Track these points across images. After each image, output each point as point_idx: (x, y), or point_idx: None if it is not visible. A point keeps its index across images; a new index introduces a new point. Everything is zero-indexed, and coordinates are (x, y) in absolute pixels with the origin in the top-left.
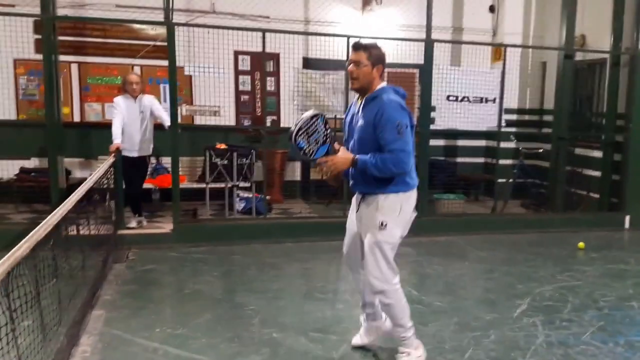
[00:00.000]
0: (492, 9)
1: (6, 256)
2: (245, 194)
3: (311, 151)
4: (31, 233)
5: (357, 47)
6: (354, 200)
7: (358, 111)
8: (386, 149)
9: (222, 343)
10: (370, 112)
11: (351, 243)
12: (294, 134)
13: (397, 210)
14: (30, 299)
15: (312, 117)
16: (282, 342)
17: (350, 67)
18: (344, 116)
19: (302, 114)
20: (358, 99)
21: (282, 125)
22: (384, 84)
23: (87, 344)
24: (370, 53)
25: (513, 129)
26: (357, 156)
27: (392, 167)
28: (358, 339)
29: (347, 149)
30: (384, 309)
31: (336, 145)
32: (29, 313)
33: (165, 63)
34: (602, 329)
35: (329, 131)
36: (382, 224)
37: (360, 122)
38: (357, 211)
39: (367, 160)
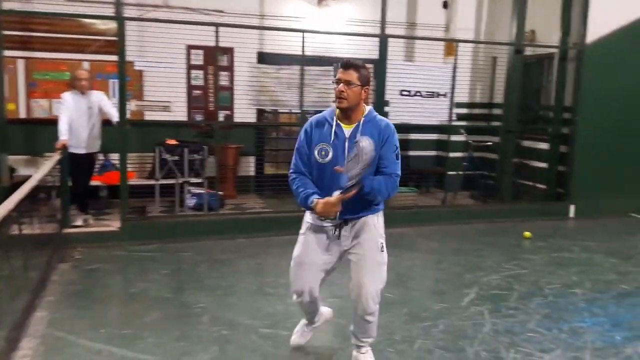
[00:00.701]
0: (445, 4)
1: None
2: (197, 190)
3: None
4: None
5: (349, 66)
6: (313, 231)
7: (352, 136)
8: (384, 172)
9: (169, 342)
10: (372, 136)
11: (317, 276)
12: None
13: (383, 228)
14: None
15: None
16: (231, 340)
17: (341, 86)
18: (303, 137)
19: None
20: (339, 121)
21: (235, 120)
22: (365, 105)
23: (29, 347)
24: (361, 73)
25: (463, 123)
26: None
27: (388, 190)
28: (300, 340)
29: (327, 172)
30: (367, 326)
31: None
32: None
33: (114, 58)
34: (547, 316)
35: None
36: (382, 246)
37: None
38: (336, 237)
39: (374, 186)
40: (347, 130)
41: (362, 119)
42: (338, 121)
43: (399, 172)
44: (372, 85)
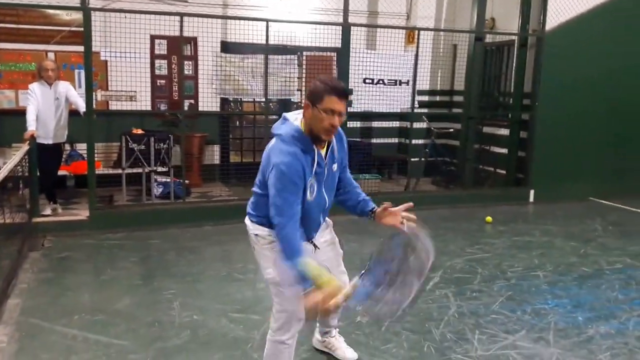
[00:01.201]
0: None
1: None
2: (163, 179)
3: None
4: None
5: (345, 95)
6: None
7: (325, 157)
8: (348, 174)
9: (141, 328)
10: (340, 149)
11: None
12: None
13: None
14: None
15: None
16: (202, 324)
17: (336, 120)
18: (302, 174)
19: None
20: (315, 146)
21: (200, 109)
22: None
23: (4, 333)
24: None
25: (425, 110)
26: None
27: None
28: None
29: (312, 211)
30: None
31: None
32: None
33: (79, 48)
34: (510, 298)
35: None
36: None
37: (334, 166)
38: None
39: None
40: (323, 153)
41: (333, 139)
42: (314, 148)
43: None
44: (335, 73)
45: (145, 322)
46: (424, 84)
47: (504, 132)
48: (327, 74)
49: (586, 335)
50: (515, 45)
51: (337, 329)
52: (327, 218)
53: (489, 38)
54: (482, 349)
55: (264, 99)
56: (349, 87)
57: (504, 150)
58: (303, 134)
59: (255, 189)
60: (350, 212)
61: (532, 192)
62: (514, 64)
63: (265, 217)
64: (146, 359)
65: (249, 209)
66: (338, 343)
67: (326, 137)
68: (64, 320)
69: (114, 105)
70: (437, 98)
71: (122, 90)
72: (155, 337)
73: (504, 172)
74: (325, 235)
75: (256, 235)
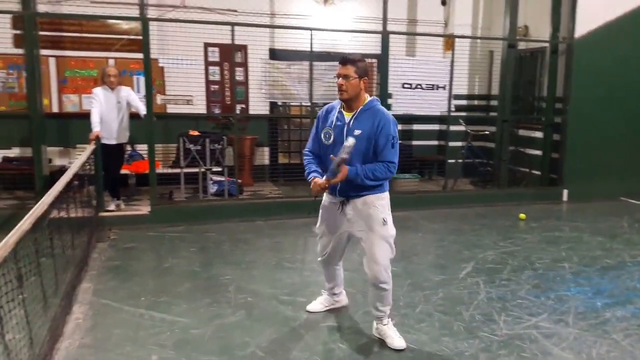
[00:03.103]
0: (443, 2)
1: (14, 229)
2: (218, 178)
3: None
4: (32, 210)
5: (345, 61)
6: (327, 204)
7: (351, 122)
8: (379, 159)
9: (201, 307)
10: (366, 123)
11: (334, 243)
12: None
13: (388, 206)
14: (34, 267)
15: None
16: (256, 305)
17: (340, 80)
18: (317, 122)
19: (346, 144)
20: (342, 109)
21: (250, 112)
22: (368, 95)
23: (80, 312)
24: (358, 66)
25: (463, 114)
26: (350, 168)
27: (381, 175)
28: (317, 306)
29: (329, 153)
30: (381, 294)
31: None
32: (33, 278)
33: (137, 55)
34: (536, 286)
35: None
36: (384, 220)
37: (357, 132)
38: (340, 212)
39: (360, 172)
40: (348, 117)
41: (360, 107)
42: (341, 109)
43: (394, 160)
44: (376, 79)
45: (204, 303)
46: (461, 88)
47: (538, 134)
48: (368, 80)
49: (603, 318)
50: (547, 51)
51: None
52: (367, 201)
53: (523, 45)
54: (507, 328)
55: (309, 103)
56: (388, 92)
57: (538, 152)
58: (340, 101)
59: None
60: None
61: (565, 191)
62: (547, 70)
63: None
64: (206, 333)
65: None
66: (390, 331)
67: (340, 97)
68: (132, 301)
69: (172, 109)
70: (475, 102)
71: (179, 95)
72: (213, 315)
73: (538, 172)
74: (365, 212)
75: None
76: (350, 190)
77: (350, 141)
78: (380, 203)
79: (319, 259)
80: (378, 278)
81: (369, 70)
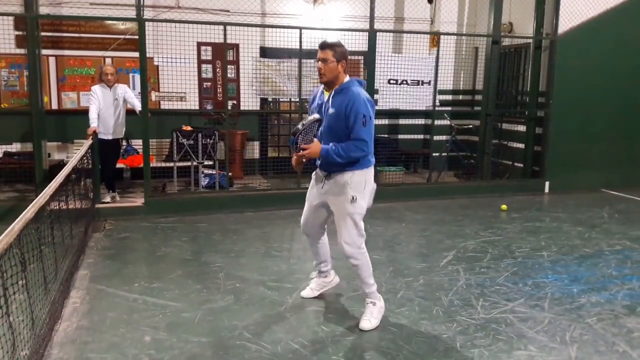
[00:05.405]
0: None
1: (18, 218)
2: (209, 171)
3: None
4: (35, 200)
5: (324, 46)
6: (314, 176)
7: (328, 101)
8: (351, 137)
9: (192, 293)
10: (340, 103)
11: (311, 213)
12: (297, 134)
13: (362, 184)
14: (35, 254)
15: (315, 121)
16: (244, 291)
17: (319, 64)
18: (308, 104)
19: (308, 117)
20: (324, 90)
21: (241, 108)
22: (347, 77)
23: (77, 296)
24: (335, 51)
25: (448, 108)
26: (322, 147)
27: (352, 154)
28: (309, 292)
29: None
30: (354, 269)
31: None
32: (34, 264)
33: (134, 54)
34: (514, 274)
35: (318, 131)
36: (353, 198)
37: (331, 111)
38: (322, 186)
39: (330, 150)
40: (326, 96)
41: (335, 88)
42: (324, 90)
43: (364, 138)
44: (363, 75)
45: (195, 289)
46: (446, 84)
47: (521, 128)
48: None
49: (578, 303)
50: (531, 47)
51: (372, 301)
52: (342, 177)
53: (507, 41)
54: (484, 312)
55: (298, 99)
56: (375, 88)
57: (521, 145)
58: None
59: None
60: None
61: (547, 183)
62: (530, 65)
63: None
64: (197, 316)
65: None
66: (366, 311)
67: (320, 80)
68: (126, 287)
69: (165, 105)
70: (460, 97)
71: (172, 92)
72: (203, 300)
73: (521, 165)
74: (337, 188)
75: None
76: (328, 166)
77: (314, 116)
78: (354, 180)
79: (301, 229)
80: (344, 252)
81: (347, 54)
